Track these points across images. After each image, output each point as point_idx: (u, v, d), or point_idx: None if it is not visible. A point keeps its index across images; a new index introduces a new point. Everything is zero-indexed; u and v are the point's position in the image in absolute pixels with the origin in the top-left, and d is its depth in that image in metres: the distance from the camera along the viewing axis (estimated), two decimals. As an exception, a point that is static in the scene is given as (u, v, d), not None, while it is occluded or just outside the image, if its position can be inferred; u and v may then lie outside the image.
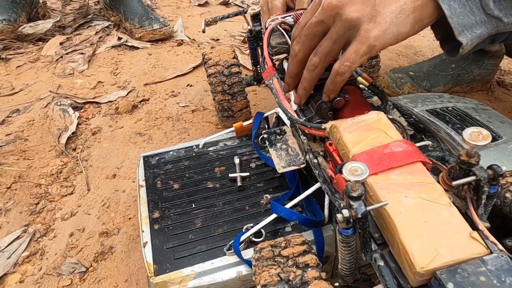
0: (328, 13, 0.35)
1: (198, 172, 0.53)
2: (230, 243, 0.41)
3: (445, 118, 0.61)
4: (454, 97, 0.72)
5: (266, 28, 0.50)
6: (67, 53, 1.04)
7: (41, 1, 1.23)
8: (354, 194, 0.26)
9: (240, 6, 1.47)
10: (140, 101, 0.87)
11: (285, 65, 0.51)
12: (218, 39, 1.19)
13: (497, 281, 0.23)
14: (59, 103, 0.83)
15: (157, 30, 1.11)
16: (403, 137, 0.34)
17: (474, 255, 0.24)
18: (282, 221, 0.45)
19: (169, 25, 1.15)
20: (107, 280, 0.50)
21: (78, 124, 0.79)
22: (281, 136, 0.47)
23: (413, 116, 0.54)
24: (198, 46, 1.13)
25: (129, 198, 0.62)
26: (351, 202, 0.26)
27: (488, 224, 0.28)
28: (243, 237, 0.41)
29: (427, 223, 0.26)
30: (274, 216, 0.42)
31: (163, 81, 0.95)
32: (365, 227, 0.27)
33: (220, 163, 0.54)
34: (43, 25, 1.13)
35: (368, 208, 0.26)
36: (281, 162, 0.44)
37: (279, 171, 0.43)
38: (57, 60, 1.01)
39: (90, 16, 1.24)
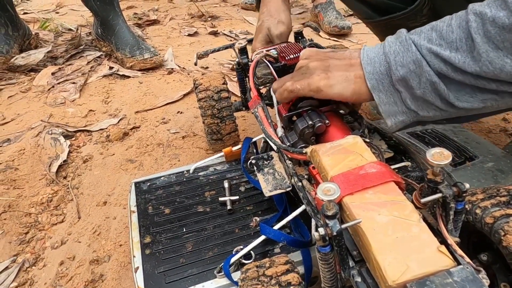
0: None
1: (188, 197, 0.55)
2: (220, 266, 0.43)
3: (425, 139, 0.65)
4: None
5: (252, 61, 0.53)
6: (58, 83, 1.06)
7: (33, 33, 1.27)
8: (329, 213, 0.28)
9: (228, 36, 1.53)
10: (131, 129, 0.88)
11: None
12: (207, 67, 1.23)
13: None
14: (50, 132, 0.84)
15: (147, 59, 1.15)
16: (378, 159, 0.37)
17: (441, 268, 0.26)
18: (271, 242, 0.47)
19: (159, 54, 1.19)
20: (97, 308, 0.50)
21: (69, 152, 0.80)
22: (268, 161, 0.50)
23: (394, 139, 0.57)
24: (188, 74, 1.17)
25: (120, 224, 0.63)
26: (327, 221, 0.28)
27: (457, 239, 0.30)
28: (233, 260, 0.42)
29: (398, 239, 0.28)
30: (262, 237, 0.44)
31: (154, 108, 0.98)
32: (341, 244, 0.29)
33: (210, 188, 0.56)
34: (35, 56, 1.16)
35: (343, 226, 0.28)
36: (268, 186, 0.46)
37: (266, 195, 0.45)
38: (48, 90, 1.03)
39: (82, 47, 1.28)
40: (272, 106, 0.52)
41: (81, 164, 0.77)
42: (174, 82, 1.12)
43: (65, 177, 0.74)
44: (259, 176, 0.47)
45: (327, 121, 0.44)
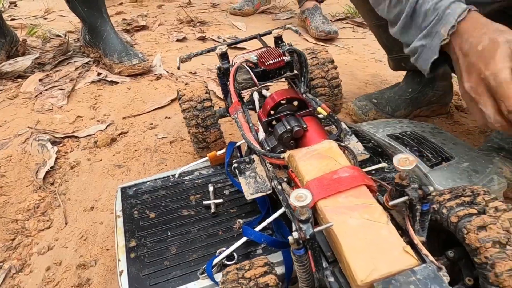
0: None
1: (174, 201, 0.56)
2: (203, 267, 0.44)
3: (404, 141, 0.67)
4: (413, 122, 0.78)
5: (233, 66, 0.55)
6: (46, 89, 1.06)
7: (21, 39, 1.27)
8: (302, 218, 0.30)
9: (216, 41, 1.55)
10: (119, 134, 0.89)
11: (255, 96, 0.55)
12: (195, 72, 1.24)
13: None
14: (37, 139, 0.84)
15: (135, 65, 1.16)
16: (352, 163, 0.38)
17: (406, 267, 0.28)
18: (254, 244, 0.48)
19: (147, 60, 1.20)
20: (84, 312, 0.51)
21: (57, 158, 0.80)
22: (250, 164, 0.51)
23: (372, 141, 0.59)
24: (176, 79, 1.18)
25: (107, 229, 0.63)
26: (300, 225, 0.30)
27: (423, 238, 0.32)
28: (215, 261, 0.44)
29: (367, 240, 0.30)
30: (244, 239, 0.45)
31: (142, 114, 0.98)
32: (314, 247, 0.30)
33: (195, 191, 0.57)
34: (23, 63, 1.16)
35: (315, 229, 0.30)
36: (249, 189, 0.47)
37: (247, 198, 0.46)
38: (36, 96, 1.03)
39: (70, 53, 1.28)
40: (255, 110, 0.53)
41: (68, 170, 0.78)
42: (162, 87, 1.13)
43: (52, 183, 0.74)
44: (241, 180, 0.49)
45: (304, 126, 0.45)
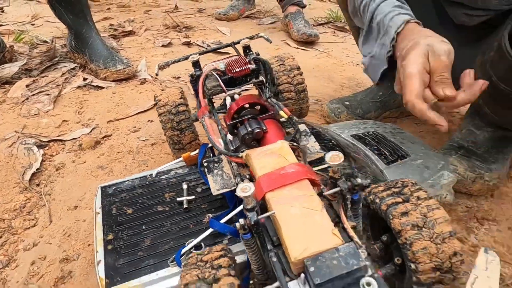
0: None
1: (150, 198, 0.61)
2: (173, 256, 0.49)
3: (365, 141, 0.73)
4: (376, 123, 0.84)
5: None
6: (33, 95, 1.10)
7: (8, 45, 1.30)
8: (248, 207, 0.35)
9: (200, 46, 1.60)
10: (103, 137, 0.94)
11: (227, 101, 0.60)
12: (179, 77, 1.29)
13: (344, 263, 0.32)
14: (23, 142, 0.88)
15: (120, 71, 1.20)
16: (300, 160, 0.44)
17: (332, 246, 0.33)
18: (221, 235, 0.53)
19: (132, 65, 1.25)
20: (66, 301, 0.55)
21: (42, 161, 0.84)
22: (218, 163, 0.56)
23: (332, 141, 0.65)
24: (160, 84, 1.23)
25: (89, 226, 0.68)
26: (247, 213, 0.35)
27: (354, 223, 0.38)
28: (184, 250, 0.48)
29: (303, 225, 0.35)
30: (210, 230, 0.50)
31: (126, 117, 1.03)
32: (259, 231, 0.35)
33: (170, 189, 0.62)
34: (10, 69, 1.19)
35: (259, 217, 0.35)
36: (216, 186, 0.52)
37: (213, 193, 0.51)
38: (23, 101, 1.07)
39: (56, 59, 1.32)
40: (226, 112, 0.58)
41: (53, 172, 0.82)
42: (146, 92, 1.17)
43: (38, 185, 0.78)
44: (209, 177, 0.53)
45: (264, 128, 0.50)
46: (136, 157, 0.87)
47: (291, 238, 0.34)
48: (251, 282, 0.43)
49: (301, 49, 1.63)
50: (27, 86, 1.14)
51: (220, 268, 0.37)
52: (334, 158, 0.36)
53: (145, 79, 1.25)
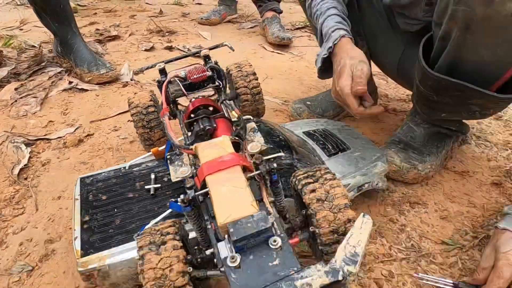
0: None
1: (122, 187, 0.70)
2: (138, 232, 0.58)
3: (314, 137, 0.83)
4: (328, 121, 0.95)
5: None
6: (21, 97, 1.19)
7: (-3, 51, 1.38)
8: (187, 186, 0.45)
9: (181, 50, 1.70)
10: (86, 136, 1.03)
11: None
12: (159, 80, 1.38)
13: (255, 225, 0.42)
14: (12, 141, 0.97)
15: (103, 74, 1.30)
16: (245, 152, 0.54)
17: (248, 214, 0.43)
18: (181, 215, 0.63)
19: (115, 69, 1.34)
20: (49, 274, 0.64)
21: (30, 157, 0.93)
22: (179, 156, 0.66)
23: (280, 137, 0.75)
24: (141, 87, 1.32)
25: (71, 213, 0.77)
26: (187, 191, 0.45)
27: (272, 198, 0.48)
28: (147, 227, 0.58)
29: (230, 199, 0.45)
30: (169, 210, 0.60)
31: (107, 118, 1.12)
32: (196, 205, 0.46)
33: (140, 179, 0.72)
34: None
35: (196, 193, 0.45)
36: (175, 174, 0.62)
37: (173, 180, 0.61)
38: (12, 104, 1.16)
39: (44, 63, 1.41)
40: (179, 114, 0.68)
41: (40, 167, 0.91)
42: (128, 94, 1.26)
43: (25, 178, 0.88)
44: (170, 167, 0.63)
45: (214, 125, 0.61)
46: (115, 154, 0.96)
47: (219, 209, 0.44)
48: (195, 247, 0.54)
49: (277, 52, 1.73)
50: (15, 89, 1.23)
51: (167, 234, 0.47)
52: (253, 147, 0.46)
53: (127, 82, 1.34)
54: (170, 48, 1.71)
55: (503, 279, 0.57)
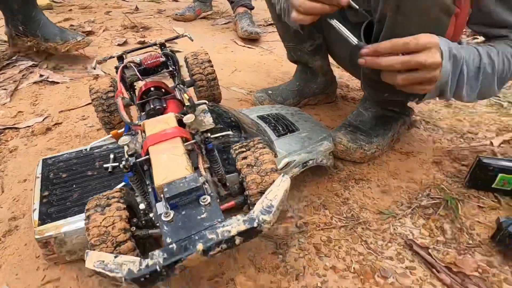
0: None
1: (82, 166, 0.75)
2: (92, 203, 0.63)
3: (266, 120, 0.90)
4: (283, 106, 1.01)
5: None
6: (-9, 89, 1.21)
7: (-32, 46, 1.40)
8: (129, 153, 0.51)
9: (155, 45, 1.73)
10: (54, 125, 1.07)
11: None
12: (130, 72, 1.42)
13: (187, 185, 0.48)
14: (-19, 130, 1.00)
15: (80, 41, 1.33)
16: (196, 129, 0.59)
17: (182, 175, 0.49)
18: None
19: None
20: (11, 246, 0.69)
21: (-2, 145, 0.97)
22: (135, 136, 0.71)
23: (232, 118, 0.81)
24: (112, 79, 1.36)
25: (36, 194, 0.81)
26: (128, 158, 0.51)
27: (208, 165, 0.54)
28: (100, 199, 0.63)
29: (167, 165, 0.51)
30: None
31: (76, 108, 1.16)
32: (138, 171, 0.51)
33: (100, 159, 0.77)
34: (-30, 66, 1.30)
35: (137, 160, 0.51)
36: (130, 151, 0.68)
37: (120, 144, 0.66)
38: (-19, 95, 1.18)
39: (15, 57, 1.43)
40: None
41: (7, 154, 0.95)
42: (98, 86, 1.30)
43: (-7, 164, 0.91)
44: (125, 146, 0.69)
45: (164, 105, 0.66)
46: (82, 140, 1.01)
47: (157, 173, 0.50)
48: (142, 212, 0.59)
49: (247, 47, 1.80)
50: (-14, 82, 1.25)
51: (113, 198, 0.53)
52: (188, 118, 0.52)
53: (98, 75, 1.38)
54: (143, 43, 1.75)
55: (416, 40, 0.59)
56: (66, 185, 0.70)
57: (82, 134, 1.03)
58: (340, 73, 1.50)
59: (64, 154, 0.79)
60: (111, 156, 0.76)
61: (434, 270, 0.65)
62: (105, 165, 0.74)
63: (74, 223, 0.61)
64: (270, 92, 1.18)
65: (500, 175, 0.80)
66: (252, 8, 1.98)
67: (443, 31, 0.65)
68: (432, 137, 1.09)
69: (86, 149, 0.80)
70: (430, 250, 0.69)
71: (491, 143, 1.06)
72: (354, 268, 0.66)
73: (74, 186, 0.70)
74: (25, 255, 0.67)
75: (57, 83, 1.31)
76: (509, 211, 0.79)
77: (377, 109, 0.99)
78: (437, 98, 0.68)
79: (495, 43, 0.70)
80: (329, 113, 1.21)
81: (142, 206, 0.60)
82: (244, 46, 1.80)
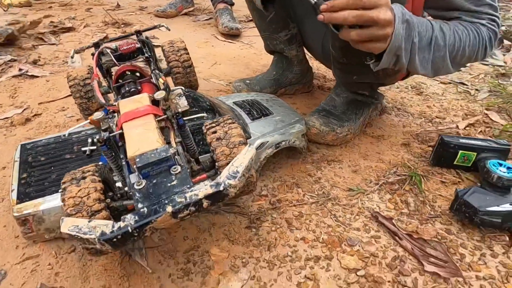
0: None
1: (61, 150, 0.77)
2: (71, 183, 0.66)
3: (242, 105, 0.93)
4: (259, 93, 1.05)
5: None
6: (-31, 83, 1.21)
7: None
8: (103, 128, 0.53)
9: (132, 34, 1.75)
10: (33, 116, 1.08)
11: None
12: (110, 66, 1.44)
13: (157, 155, 0.51)
14: (-41, 121, 1.01)
15: None
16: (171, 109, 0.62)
17: (153, 148, 0.52)
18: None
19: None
20: (-9, 228, 0.70)
21: (-24, 135, 0.97)
22: (112, 118, 0.74)
23: (207, 102, 0.84)
24: (89, 67, 1.37)
25: (15, 180, 0.83)
26: (102, 132, 0.53)
27: (179, 139, 0.57)
28: (78, 178, 0.66)
29: (140, 138, 0.54)
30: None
31: (56, 100, 1.17)
32: (111, 144, 0.54)
33: (78, 144, 0.79)
34: None
35: (110, 134, 0.53)
36: (103, 125, 0.70)
37: (94, 119, 0.68)
38: (-41, 88, 1.18)
39: (-7, 52, 1.43)
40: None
41: (-14, 144, 0.96)
42: (78, 79, 1.31)
43: (-29, 153, 0.92)
44: (102, 125, 0.71)
45: (139, 88, 0.69)
46: (61, 130, 1.02)
47: (130, 146, 0.53)
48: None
49: (228, 41, 1.83)
50: (-37, 76, 1.25)
51: (88, 172, 0.55)
52: (159, 94, 0.55)
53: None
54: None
55: None
56: (44, 167, 0.72)
57: (62, 124, 1.04)
58: (317, 65, 1.55)
59: (43, 139, 0.80)
60: (89, 140, 0.78)
61: (397, 238, 0.70)
62: (83, 148, 0.76)
63: (52, 201, 0.63)
64: (248, 81, 1.22)
65: (460, 152, 0.85)
66: (232, 4, 2.01)
67: (402, 2, 0.70)
68: (402, 122, 1.15)
69: (64, 135, 0.81)
70: (394, 221, 0.73)
71: (457, 126, 1.12)
72: (323, 238, 0.70)
73: (52, 168, 0.72)
74: (4, 236, 0.69)
75: (37, 77, 1.32)
76: (469, 185, 0.85)
77: (348, 94, 1.03)
78: (395, 67, 0.70)
79: (448, 22, 0.75)
80: (305, 102, 1.26)
81: (119, 184, 0.63)
82: (224, 40, 1.83)
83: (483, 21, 0.74)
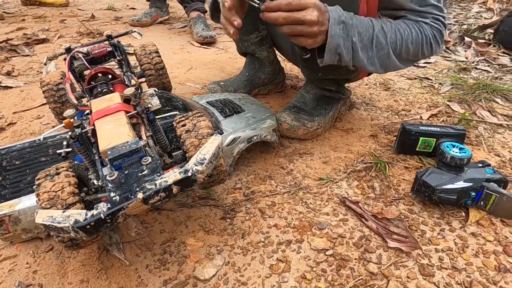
0: None
1: (36, 153, 0.78)
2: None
3: (214, 104, 0.96)
4: (232, 93, 1.09)
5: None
6: None
7: None
8: (75, 125, 0.56)
9: (105, 40, 1.76)
10: (8, 125, 1.08)
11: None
12: (85, 74, 1.45)
13: (128, 147, 0.53)
14: None
15: None
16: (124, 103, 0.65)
17: (124, 141, 0.55)
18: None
19: None
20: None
21: (-51, 146, 0.97)
22: (86, 120, 0.76)
23: (180, 101, 0.87)
24: (62, 72, 1.38)
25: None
26: (75, 129, 0.56)
27: (150, 133, 0.60)
28: (54, 178, 0.67)
29: (111, 133, 0.56)
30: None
31: (31, 109, 1.18)
32: (84, 140, 0.56)
33: (54, 147, 0.81)
34: None
35: (82, 130, 0.56)
36: (75, 123, 0.72)
37: (77, 134, 0.70)
38: None
39: (-36, 65, 1.42)
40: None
41: (-41, 153, 0.95)
42: (53, 88, 1.32)
43: None
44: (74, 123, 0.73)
45: (111, 88, 0.71)
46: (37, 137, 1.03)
47: (101, 140, 0.55)
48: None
49: (203, 47, 1.87)
50: None
51: (62, 168, 0.57)
52: (128, 90, 0.58)
53: (53, 78, 1.39)
54: (99, 47, 1.77)
55: (298, 0, 0.66)
56: (19, 170, 0.73)
57: (38, 132, 1.05)
58: (290, 66, 1.61)
59: (17, 144, 0.81)
60: (64, 142, 0.80)
61: (363, 219, 0.74)
62: (58, 151, 0.78)
63: (28, 201, 0.65)
64: (222, 83, 1.25)
65: (421, 138, 0.91)
66: (205, 11, 2.06)
67: (355, 7, 0.76)
68: (370, 115, 1.21)
69: (39, 139, 0.83)
70: (361, 204, 0.78)
71: (421, 117, 1.19)
72: (294, 224, 0.74)
73: (27, 171, 0.73)
74: (-20, 239, 0.69)
75: (11, 87, 1.32)
76: (431, 170, 0.91)
77: (317, 91, 1.09)
78: (342, 63, 0.76)
79: (391, 21, 0.82)
80: (278, 101, 1.30)
81: (95, 182, 0.65)
82: (200, 46, 1.87)
83: (427, 20, 0.81)
